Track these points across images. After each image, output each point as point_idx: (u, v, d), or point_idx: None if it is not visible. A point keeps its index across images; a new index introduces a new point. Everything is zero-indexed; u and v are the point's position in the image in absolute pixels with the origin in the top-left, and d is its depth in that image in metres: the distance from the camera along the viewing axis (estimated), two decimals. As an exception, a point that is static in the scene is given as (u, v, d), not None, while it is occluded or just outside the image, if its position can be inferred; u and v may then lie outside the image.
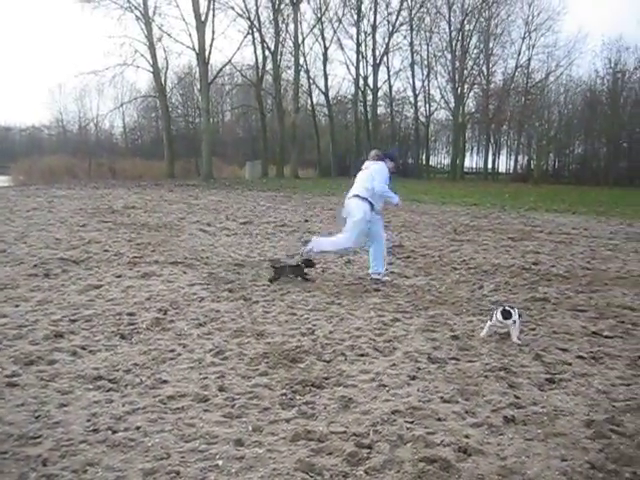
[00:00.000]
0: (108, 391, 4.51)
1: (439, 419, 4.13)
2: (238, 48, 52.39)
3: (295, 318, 6.60)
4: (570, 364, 5.32)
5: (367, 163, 9.00)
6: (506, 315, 5.88)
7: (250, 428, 3.96)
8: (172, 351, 5.42)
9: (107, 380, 4.71)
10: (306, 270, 8.62)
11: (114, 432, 3.85)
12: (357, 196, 8.64)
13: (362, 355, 5.43)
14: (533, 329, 6.38)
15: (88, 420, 4.00)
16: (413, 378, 4.89)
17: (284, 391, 4.57)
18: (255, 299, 7.39)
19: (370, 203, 8.62)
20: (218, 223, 15.33)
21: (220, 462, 3.52)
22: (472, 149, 72.52)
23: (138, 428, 3.91)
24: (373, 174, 8.67)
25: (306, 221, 16.44)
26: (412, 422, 4.07)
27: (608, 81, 57.14)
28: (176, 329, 6.07)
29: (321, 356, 5.38)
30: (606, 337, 6.14)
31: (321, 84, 56.50)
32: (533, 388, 4.75)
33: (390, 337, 5.95)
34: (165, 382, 4.70)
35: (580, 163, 62.65)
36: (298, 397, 4.48)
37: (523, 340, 5.93)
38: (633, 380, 4.97)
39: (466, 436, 3.88)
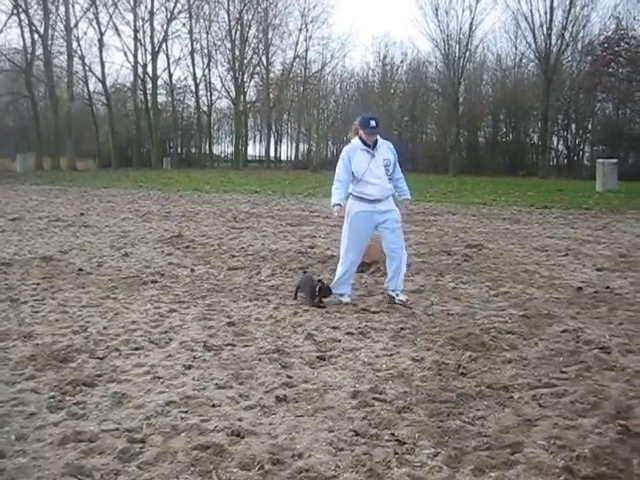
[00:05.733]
0: None
1: (213, 405, 4.17)
2: (1, 30, 48.46)
3: (67, 316, 6.29)
4: (340, 341, 5.61)
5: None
6: None
7: (13, 437, 3.71)
8: None
9: None
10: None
11: None
12: None
13: (137, 349, 5.32)
14: (307, 310, 6.65)
15: None
16: (189, 367, 4.88)
17: (52, 393, 4.34)
18: (23, 299, 6.94)
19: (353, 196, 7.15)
20: (-17, 221, 14.20)
21: (-24, 480, 3.28)
22: (255, 137, 73.85)
23: None
24: None
25: (82, 214, 15.77)
26: (186, 411, 4.06)
27: (379, 73, 60.75)
28: None
29: (94, 353, 5.18)
30: (373, 312, 6.55)
31: (98, 71, 54.23)
32: (305, 367, 4.94)
33: (166, 328, 5.89)
34: None
35: (356, 150, 65.98)
36: (68, 398, 4.27)
37: (295, 322, 6.18)
38: (395, 350, 5.36)
39: (239, 419, 3.95)
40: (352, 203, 7.05)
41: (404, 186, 7.37)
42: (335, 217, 7.11)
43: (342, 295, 7.12)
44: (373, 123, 6.89)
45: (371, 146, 6.96)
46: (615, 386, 4.53)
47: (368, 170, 6.90)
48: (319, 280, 7.06)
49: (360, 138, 7.01)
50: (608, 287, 7.83)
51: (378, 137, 7.04)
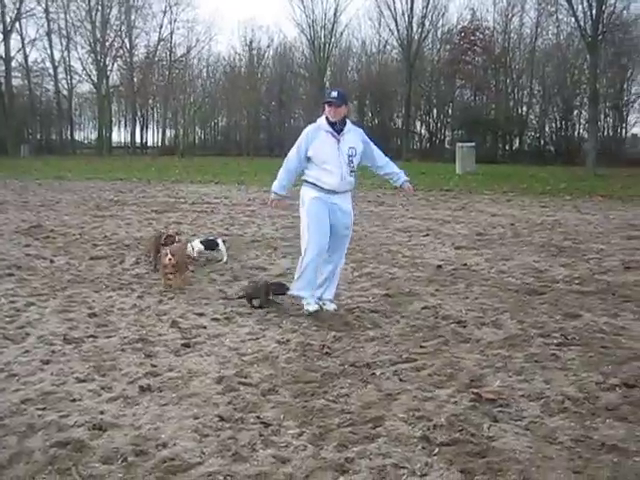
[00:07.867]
0: None
1: (74, 400, 4.02)
2: None
3: None
4: (205, 327, 5.59)
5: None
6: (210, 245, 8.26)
7: None
8: None
9: None
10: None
11: None
12: None
13: (-10, 346, 5.04)
14: (172, 298, 6.56)
15: None
16: (47, 362, 4.68)
17: None
18: None
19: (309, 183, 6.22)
20: None
21: None
22: (119, 123, 71.38)
23: None
24: None
25: None
26: (44, 408, 3.89)
27: (245, 58, 60.45)
28: None
29: (-60, 354, 4.87)
30: (239, 297, 6.52)
31: (-60, 50, 50.39)
32: (169, 355, 4.88)
33: (23, 323, 5.61)
34: None
35: (224, 135, 65.67)
36: None
37: (160, 311, 6.08)
38: (261, 334, 5.40)
39: (101, 412, 3.84)
40: (306, 190, 6.17)
41: (396, 169, 6.37)
42: (270, 205, 6.29)
43: (304, 299, 6.15)
44: (334, 94, 5.94)
45: (337, 128, 5.92)
46: (470, 357, 4.80)
47: (329, 156, 5.93)
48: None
49: (326, 117, 5.98)
50: (465, 264, 8.24)
51: (348, 122, 6.08)
